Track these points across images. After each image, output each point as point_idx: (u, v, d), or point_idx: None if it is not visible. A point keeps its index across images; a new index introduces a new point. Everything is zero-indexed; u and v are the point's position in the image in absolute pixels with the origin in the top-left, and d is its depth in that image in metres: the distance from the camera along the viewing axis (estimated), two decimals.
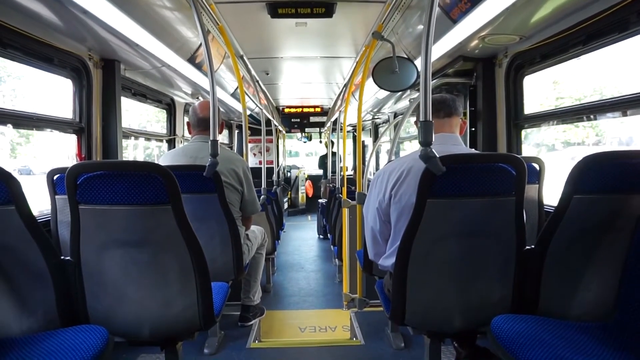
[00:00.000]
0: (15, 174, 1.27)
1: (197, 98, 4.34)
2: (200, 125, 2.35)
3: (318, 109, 8.03)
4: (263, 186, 3.83)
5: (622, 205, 1.32)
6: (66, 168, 1.36)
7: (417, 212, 1.41)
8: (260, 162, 6.85)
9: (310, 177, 10.20)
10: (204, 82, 3.69)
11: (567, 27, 2.11)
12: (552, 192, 2.32)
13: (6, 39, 2.08)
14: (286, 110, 8.09)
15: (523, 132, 2.83)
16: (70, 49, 2.50)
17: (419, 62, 2.50)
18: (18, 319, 1.39)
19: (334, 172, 7.10)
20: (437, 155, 1.32)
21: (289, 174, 10.04)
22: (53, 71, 2.53)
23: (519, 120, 2.77)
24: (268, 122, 6.21)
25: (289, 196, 9.61)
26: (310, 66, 4.72)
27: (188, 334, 1.60)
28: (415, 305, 1.53)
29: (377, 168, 7.34)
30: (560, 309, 1.43)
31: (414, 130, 5.58)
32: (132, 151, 4.36)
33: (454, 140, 1.72)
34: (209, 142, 1.94)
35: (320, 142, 9.44)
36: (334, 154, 6.91)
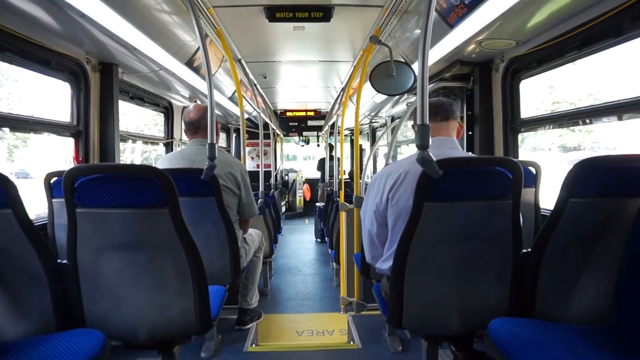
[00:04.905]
0: (12, 178, 1.27)
1: (195, 101, 4.34)
2: (190, 129, 2.37)
3: (316, 113, 8.04)
4: (261, 189, 3.83)
5: (618, 208, 1.33)
6: (63, 171, 1.36)
7: (414, 216, 1.41)
8: (258, 166, 6.86)
9: (308, 181, 10.20)
10: (201, 85, 3.69)
11: (562, 32, 2.13)
12: (548, 196, 2.33)
13: (4, 42, 2.08)
14: (284, 114, 8.10)
15: (520, 136, 2.84)
16: (68, 52, 2.50)
17: (416, 66, 2.51)
18: (13, 323, 1.38)
19: (331, 175, 7.11)
20: (434, 159, 1.32)
21: (286, 177, 10.04)
22: (51, 74, 2.53)
23: (515, 124, 2.78)
24: (266, 126, 6.22)
25: (286, 200, 9.60)
26: (308, 70, 4.73)
27: (185, 338, 1.60)
28: (413, 309, 1.53)
29: (374, 172, 7.34)
30: (557, 312, 1.43)
31: (411, 134, 5.60)
32: (129, 154, 4.35)
33: (451, 144, 1.72)
34: (207, 145, 1.94)
35: (318, 145, 9.45)
36: (331, 157, 6.91)
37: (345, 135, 8.93)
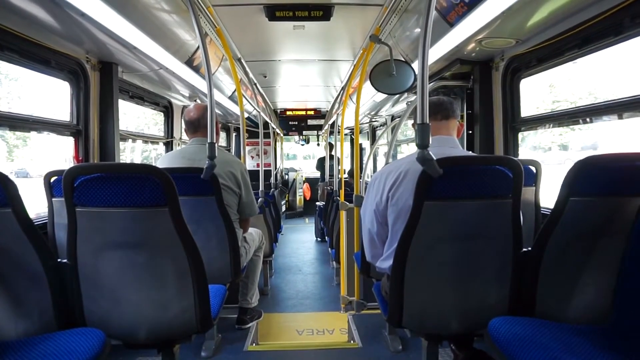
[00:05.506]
0: (12, 177, 1.27)
1: (195, 100, 4.34)
2: (190, 128, 2.37)
3: (316, 112, 8.04)
4: (261, 189, 3.83)
5: (618, 207, 1.33)
6: (63, 170, 1.36)
7: (414, 215, 1.41)
8: (258, 165, 6.86)
9: (308, 180, 10.20)
10: (201, 84, 3.69)
11: (562, 30, 2.13)
12: (548, 194, 2.32)
13: (3, 42, 2.08)
14: (284, 113, 8.10)
15: (520, 135, 2.84)
16: (68, 51, 2.50)
17: (416, 65, 2.51)
18: (14, 322, 1.38)
19: (331, 174, 7.10)
20: (434, 158, 1.32)
21: (286, 176, 10.04)
22: (50, 74, 2.53)
23: (515, 123, 2.78)
24: (266, 125, 6.21)
25: (286, 199, 9.60)
26: (308, 69, 4.73)
27: (185, 337, 1.59)
28: (413, 308, 1.53)
29: (374, 171, 7.34)
30: (557, 312, 1.43)
31: (411, 133, 5.60)
32: (129, 154, 4.35)
33: (451, 143, 1.72)
34: (207, 144, 1.94)
35: (318, 144, 9.45)
36: (331, 157, 6.91)
37: (345, 135, 8.92)
